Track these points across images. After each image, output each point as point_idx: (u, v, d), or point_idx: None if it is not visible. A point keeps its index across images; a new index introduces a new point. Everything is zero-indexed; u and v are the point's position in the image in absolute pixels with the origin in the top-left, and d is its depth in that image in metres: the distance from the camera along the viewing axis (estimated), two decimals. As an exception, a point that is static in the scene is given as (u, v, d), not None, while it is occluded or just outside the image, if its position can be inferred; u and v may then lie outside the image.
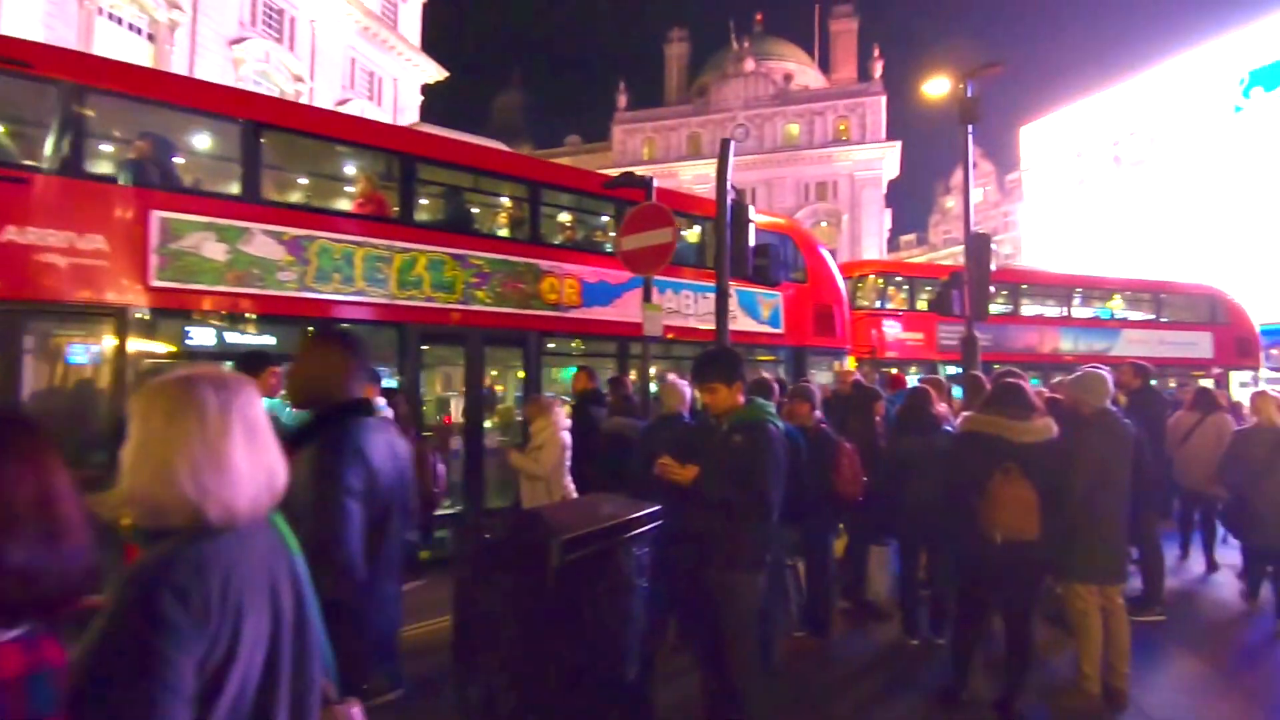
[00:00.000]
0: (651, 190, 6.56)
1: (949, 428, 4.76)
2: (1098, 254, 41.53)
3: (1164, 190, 38.27)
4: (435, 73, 34.08)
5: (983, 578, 3.84)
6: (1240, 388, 15.89)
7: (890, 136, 50.94)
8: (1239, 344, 17.27)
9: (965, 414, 4.12)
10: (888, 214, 52.12)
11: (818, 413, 4.87)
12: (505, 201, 8.35)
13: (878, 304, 13.89)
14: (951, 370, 11.80)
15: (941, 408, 5.30)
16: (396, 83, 32.69)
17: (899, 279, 14.68)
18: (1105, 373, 4.09)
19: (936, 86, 11.10)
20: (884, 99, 50.77)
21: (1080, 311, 15.86)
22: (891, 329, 13.46)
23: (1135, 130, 40.68)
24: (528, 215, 7.83)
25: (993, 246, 10.60)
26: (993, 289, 10.75)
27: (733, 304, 8.04)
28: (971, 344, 10.14)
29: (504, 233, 8.17)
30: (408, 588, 2.98)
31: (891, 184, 52.79)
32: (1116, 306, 16.56)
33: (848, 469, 4.65)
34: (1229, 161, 34.65)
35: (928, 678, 4.36)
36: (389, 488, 2.16)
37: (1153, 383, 6.61)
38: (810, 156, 51.26)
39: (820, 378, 9.37)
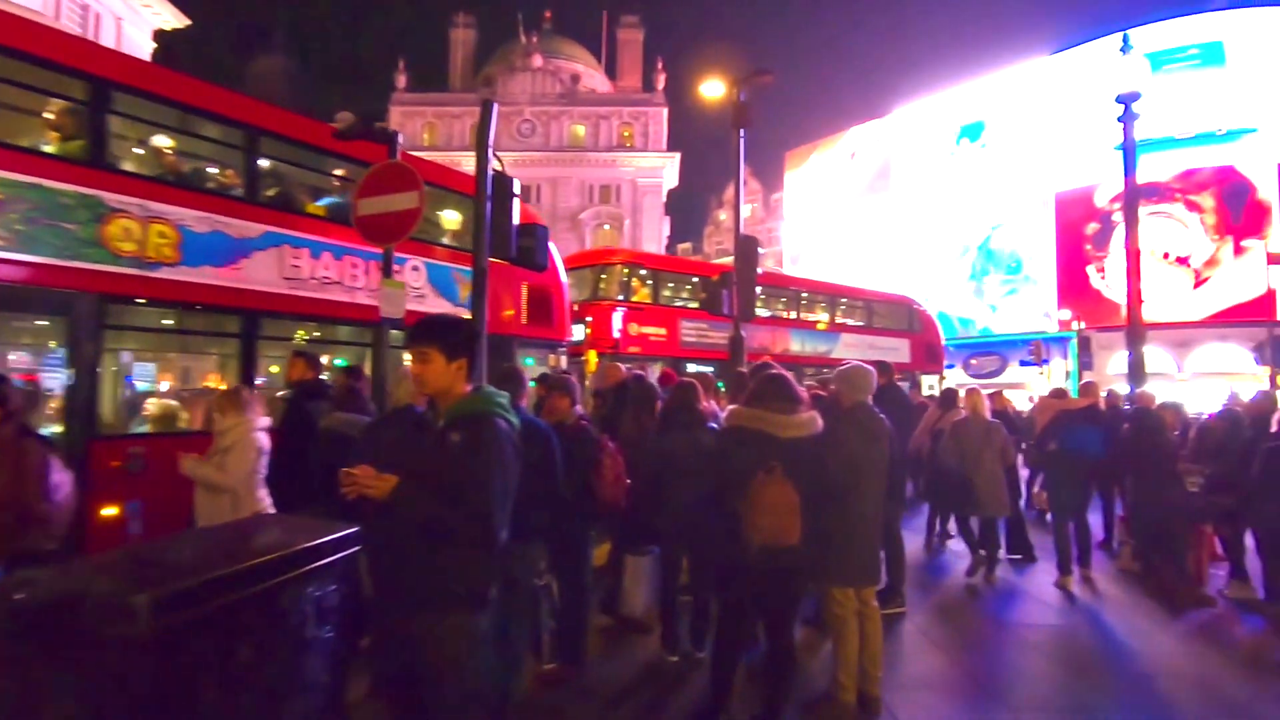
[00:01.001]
0: (395, 146, 5.60)
1: (715, 425, 4.42)
2: (843, 268, 46.60)
3: (898, 215, 43.80)
4: (172, 18, 29.29)
5: (742, 586, 3.48)
6: (927, 390, 17.27)
7: (671, 148, 53.10)
8: (929, 351, 19.18)
9: (731, 408, 3.76)
10: (667, 222, 54.27)
11: (579, 408, 4.29)
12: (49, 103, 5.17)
13: (620, 296, 13.16)
14: (693, 368, 11.93)
15: (711, 404, 5.00)
16: (120, 24, 27.56)
17: (644, 271, 14.05)
18: (870, 368, 3.96)
19: (712, 89, 11.23)
20: (666, 111, 52.78)
21: (807, 315, 16.63)
22: (634, 323, 12.91)
23: (877, 161, 46.20)
24: (88, 126, 5.20)
25: (759, 249, 10.87)
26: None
27: (420, 279, 7.33)
28: (738, 343, 10.31)
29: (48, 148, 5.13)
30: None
31: (671, 193, 55.07)
32: (837, 312, 17.52)
33: (610, 471, 4.12)
34: (948, 194, 40.45)
35: (687, 699, 3.97)
36: None
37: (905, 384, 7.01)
38: (595, 159, 51.83)
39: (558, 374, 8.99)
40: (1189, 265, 32.42)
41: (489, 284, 5.82)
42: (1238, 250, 31.45)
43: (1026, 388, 30.20)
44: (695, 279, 14.82)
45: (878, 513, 3.87)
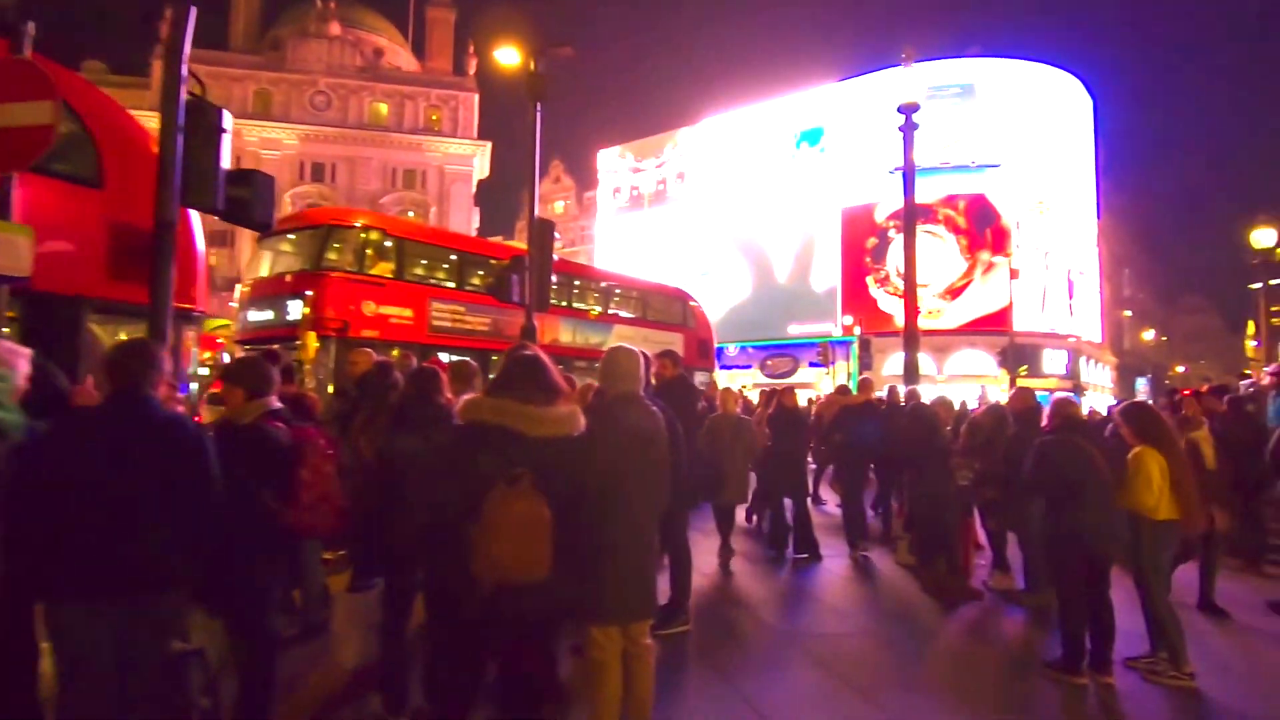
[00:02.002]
0: (23, 38, 4.07)
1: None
2: (652, 270, 47.48)
3: (704, 219, 45.34)
4: None
5: (474, 634, 2.63)
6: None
7: (483, 137, 51.11)
8: (701, 347, 18.71)
9: (466, 397, 2.90)
10: (476, 212, 52.16)
11: (272, 402, 3.18)
12: None
13: (355, 267, 10.99)
14: (445, 358, 10.12)
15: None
16: None
17: (389, 241, 11.74)
18: (638, 352, 3.24)
19: (507, 56, 10.26)
20: (477, 97, 50.72)
21: (579, 303, 15.58)
22: (370, 300, 10.87)
23: (687, 166, 47.54)
24: None
25: (555, 235, 10.10)
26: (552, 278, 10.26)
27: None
28: (530, 334, 9.46)
29: None
30: None
31: (482, 184, 53.08)
32: (611, 302, 16.70)
33: (311, 488, 3.05)
34: (787, 195, 42.09)
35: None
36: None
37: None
38: (399, 141, 48.61)
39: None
40: (949, 279, 36.56)
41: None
42: (986, 268, 35.94)
43: (815, 387, 32.32)
44: (454, 254, 13.13)
45: (651, 530, 3.18)
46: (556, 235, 10.29)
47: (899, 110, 10.30)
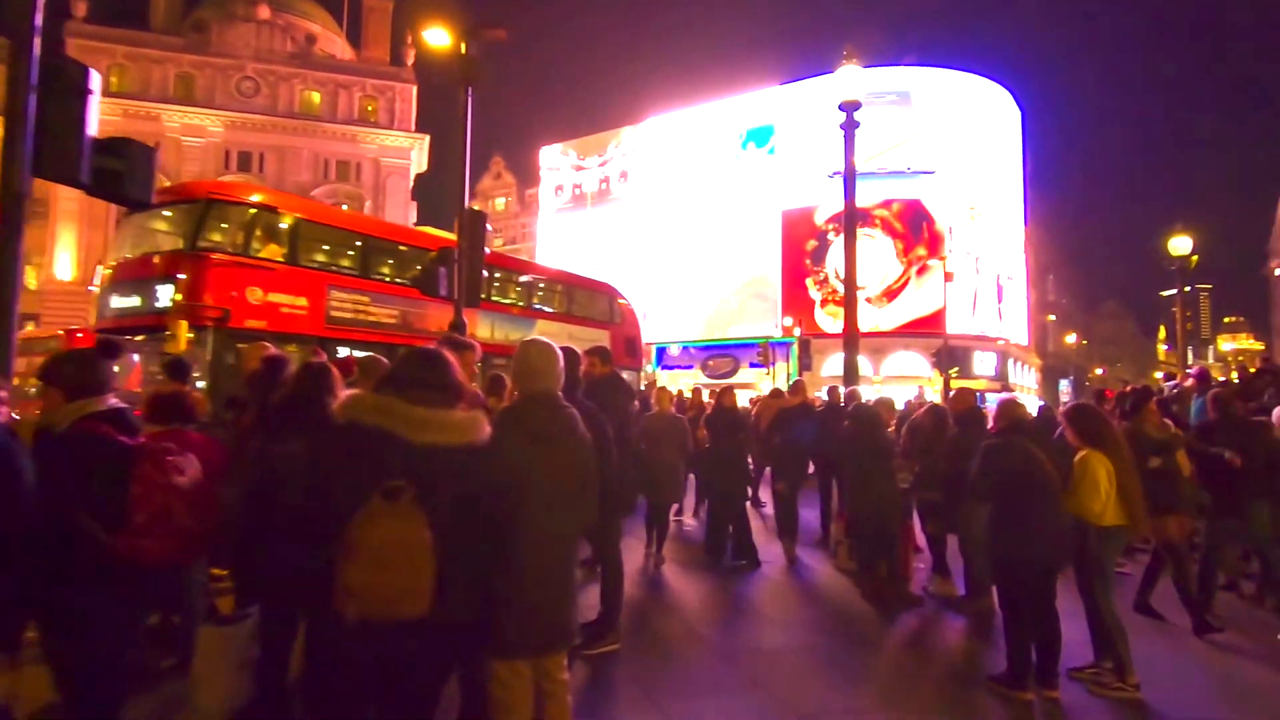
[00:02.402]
0: None
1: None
2: (598, 266, 47.06)
3: (649, 221, 45.15)
4: None
5: (343, 679, 2.21)
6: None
7: (421, 130, 49.71)
8: (628, 344, 17.68)
9: (345, 394, 2.47)
10: (414, 207, 50.70)
11: (105, 400, 2.66)
12: None
13: (239, 249, 9.58)
14: (346, 353, 9.25)
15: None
16: None
17: (282, 222, 10.26)
18: (554, 345, 2.85)
19: (437, 37, 9.69)
20: (415, 89, 49.32)
21: (499, 297, 14.29)
22: (256, 286, 9.41)
23: (638, 162, 47.23)
24: None
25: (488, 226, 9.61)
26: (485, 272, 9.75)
27: None
28: (460, 330, 8.95)
29: None
30: None
31: (420, 178, 51.63)
32: (534, 296, 15.65)
33: (144, 505, 2.54)
34: (730, 197, 42.12)
35: None
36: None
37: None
38: (332, 131, 46.86)
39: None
40: (885, 282, 37.26)
41: None
42: (920, 270, 36.75)
43: (756, 388, 32.41)
44: (360, 239, 11.86)
45: (570, 549, 2.78)
46: (490, 227, 9.77)
47: (840, 108, 10.18)
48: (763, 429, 9.21)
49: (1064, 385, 55.75)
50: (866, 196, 34.75)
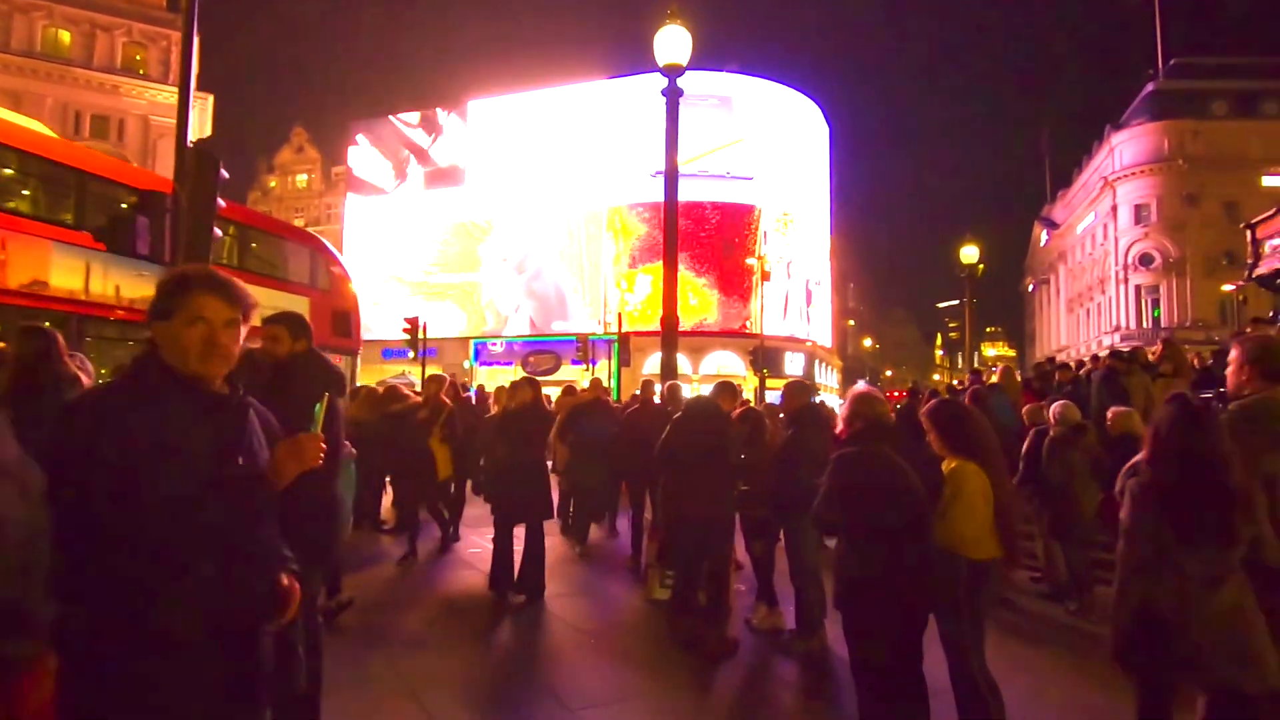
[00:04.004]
0: None
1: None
2: (416, 257, 43.74)
3: (481, 204, 42.59)
4: None
5: None
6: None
7: (204, 89, 43.46)
8: (338, 319, 13.82)
9: None
10: (194, 177, 44.31)
11: None
12: None
13: None
14: None
15: None
16: None
17: None
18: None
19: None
20: (197, 40, 42.99)
21: None
22: None
23: (458, 147, 44.27)
24: None
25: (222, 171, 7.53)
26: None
27: None
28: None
29: None
30: None
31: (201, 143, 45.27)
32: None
33: None
34: (555, 190, 40.32)
35: None
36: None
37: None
38: (87, 80, 39.78)
39: None
40: (705, 283, 37.74)
41: None
42: (738, 273, 37.59)
43: (578, 385, 31.26)
44: None
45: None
46: (225, 173, 7.58)
47: (662, 73, 9.18)
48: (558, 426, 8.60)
49: (861, 385, 60.26)
50: (689, 195, 34.85)
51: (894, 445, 3.08)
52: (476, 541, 7.65)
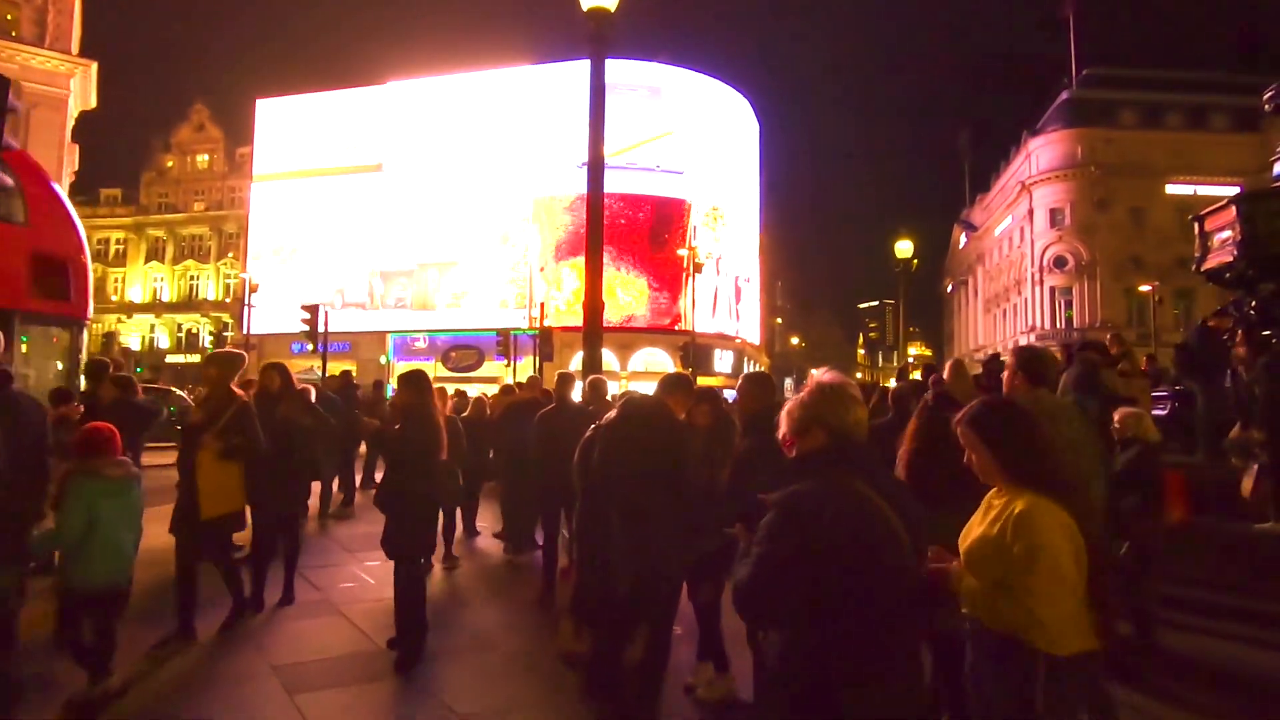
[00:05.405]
0: None
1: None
2: (336, 244, 40.99)
3: (402, 191, 40.17)
4: None
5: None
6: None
7: (87, 55, 39.47)
8: (47, 266, 7.18)
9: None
10: (75, 152, 40.22)
11: None
12: None
13: None
14: None
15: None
16: None
17: None
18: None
19: None
20: (79, 1, 39.10)
21: None
22: None
23: (375, 129, 41.62)
24: None
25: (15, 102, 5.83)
26: None
27: None
28: None
29: None
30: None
31: (86, 117, 41.27)
32: None
33: None
34: (480, 179, 38.39)
35: None
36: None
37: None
38: (-56, 37, 35.33)
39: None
40: (632, 277, 36.66)
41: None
42: (667, 268, 36.65)
43: (501, 382, 29.66)
44: None
45: None
46: (19, 104, 5.91)
47: (589, 41, 7.95)
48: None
49: (788, 383, 60.53)
50: (618, 187, 33.67)
51: (868, 471, 1.90)
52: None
